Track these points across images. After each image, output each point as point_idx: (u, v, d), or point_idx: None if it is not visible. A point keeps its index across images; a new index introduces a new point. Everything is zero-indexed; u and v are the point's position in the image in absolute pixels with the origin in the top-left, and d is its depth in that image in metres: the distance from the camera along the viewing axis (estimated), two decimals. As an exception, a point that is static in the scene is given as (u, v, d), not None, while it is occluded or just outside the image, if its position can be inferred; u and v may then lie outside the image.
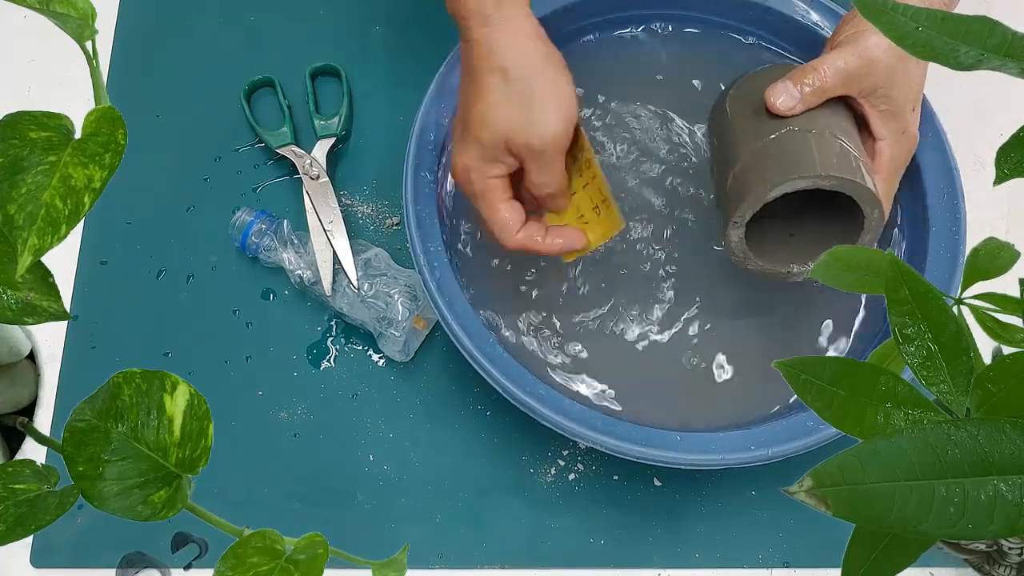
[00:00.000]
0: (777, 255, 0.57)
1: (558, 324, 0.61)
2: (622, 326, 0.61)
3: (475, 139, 0.53)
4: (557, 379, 0.59)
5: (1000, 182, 0.26)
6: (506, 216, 0.54)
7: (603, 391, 0.59)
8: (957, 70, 0.25)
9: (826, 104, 0.55)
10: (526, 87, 0.52)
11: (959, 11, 0.26)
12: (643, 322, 0.61)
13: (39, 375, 0.64)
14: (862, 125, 0.57)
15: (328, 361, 0.65)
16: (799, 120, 0.54)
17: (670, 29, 0.69)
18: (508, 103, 0.52)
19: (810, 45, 0.65)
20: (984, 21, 0.25)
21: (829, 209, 0.55)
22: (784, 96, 0.54)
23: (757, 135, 0.55)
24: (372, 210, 0.69)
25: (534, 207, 0.57)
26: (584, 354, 0.60)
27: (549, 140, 0.52)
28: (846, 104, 0.56)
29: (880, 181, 0.56)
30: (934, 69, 0.56)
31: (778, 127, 0.54)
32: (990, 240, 0.34)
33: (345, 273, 0.64)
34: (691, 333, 0.61)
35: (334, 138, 0.70)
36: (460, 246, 0.63)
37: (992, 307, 0.32)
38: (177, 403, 0.31)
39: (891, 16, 0.26)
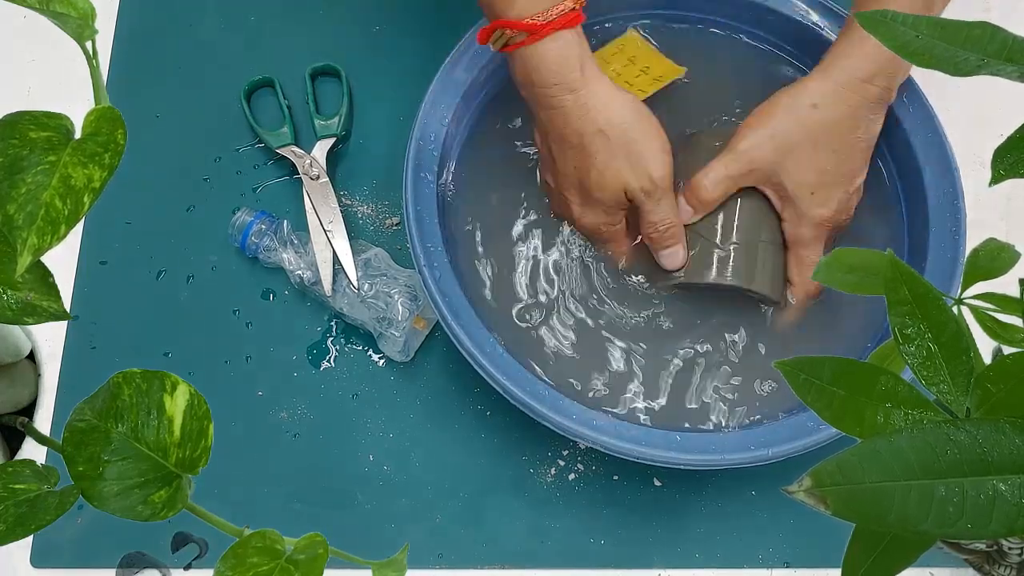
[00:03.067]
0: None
1: (558, 323, 0.61)
2: (622, 325, 0.61)
3: (597, 201, 0.58)
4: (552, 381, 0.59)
5: (996, 183, 0.26)
6: (628, 248, 0.62)
7: (599, 392, 0.59)
8: (956, 76, 0.25)
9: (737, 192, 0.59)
10: (627, 139, 0.56)
11: (958, 18, 0.26)
12: (644, 323, 0.61)
13: (39, 375, 0.64)
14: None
15: (328, 361, 0.65)
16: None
17: (664, 28, 0.69)
18: (616, 160, 0.56)
19: (810, 45, 0.65)
20: (984, 26, 0.25)
21: None
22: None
23: None
24: (372, 210, 0.69)
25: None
26: (583, 354, 0.60)
27: (658, 179, 0.57)
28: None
29: (791, 259, 0.60)
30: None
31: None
32: (990, 241, 0.34)
33: (345, 273, 0.64)
34: (691, 332, 0.61)
35: (334, 138, 0.70)
36: (460, 246, 0.63)
37: (992, 307, 0.32)
38: (177, 403, 0.31)
39: (890, 26, 0.26)
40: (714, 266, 0.59)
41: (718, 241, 0.59)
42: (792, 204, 0.58)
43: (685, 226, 0.59)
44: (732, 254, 0.59)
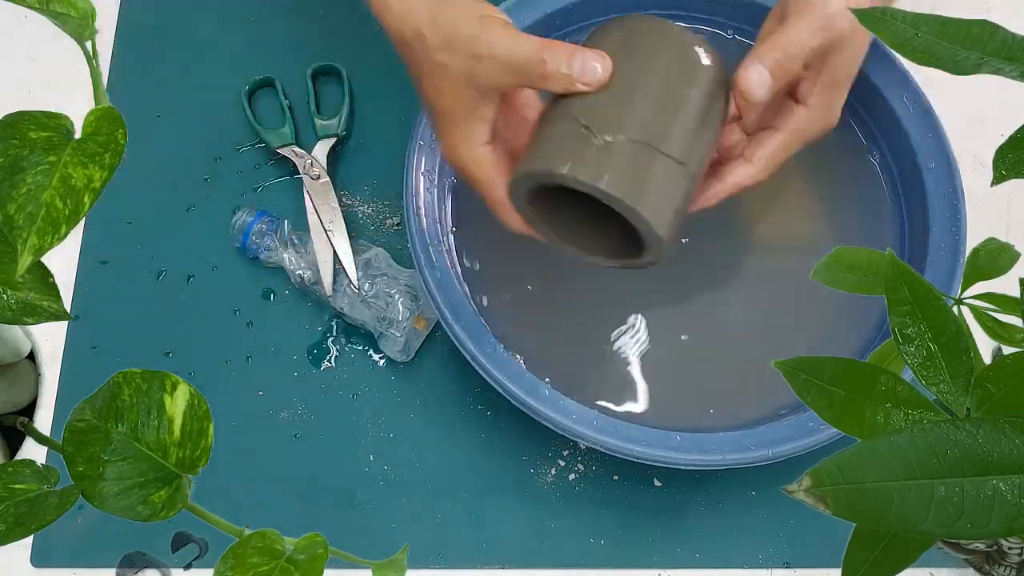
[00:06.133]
0: (564, 228, 0.50)
1: (558, 324, 0.61)
2: (622, 326, 0.61)
3: (444, 112, 0.47)
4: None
5: (997, 183, 0.26)
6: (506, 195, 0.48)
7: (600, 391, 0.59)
8: (956, 75, 0.25)
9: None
10: (450, 30, 0.46)
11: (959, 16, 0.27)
12: (643, 322, 0.61)
13: (39, 375, 0.64)
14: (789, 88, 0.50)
15: (328, 361, 0.65)
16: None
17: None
18: (446, 54, 0.46)
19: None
20: (984, 25, 0.25)
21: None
22: (761, 85, 0.47)
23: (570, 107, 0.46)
24: (372, 210, 0.69)
25: None
26: (584, 354, 0.60)
27: (510, 46, 0.45)
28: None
29: (777, 141, 0.51)
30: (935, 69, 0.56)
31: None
32: (990, 241, 0.34)
33: (345, 273, 0.64)
34: (691, 332, 0.61)
35: (334, 138, 0.70)
36: (461, 246, 0.63)
37: (992, 307, 0.32)
38: (177, 403, 0.31)
39: (891, 24, 0.26)
40: (589, 161, 0.43)
41: (603, 131, 0.44)
42: (829, 92, 0.49)
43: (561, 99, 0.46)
44: (617, 152, 0.44)
